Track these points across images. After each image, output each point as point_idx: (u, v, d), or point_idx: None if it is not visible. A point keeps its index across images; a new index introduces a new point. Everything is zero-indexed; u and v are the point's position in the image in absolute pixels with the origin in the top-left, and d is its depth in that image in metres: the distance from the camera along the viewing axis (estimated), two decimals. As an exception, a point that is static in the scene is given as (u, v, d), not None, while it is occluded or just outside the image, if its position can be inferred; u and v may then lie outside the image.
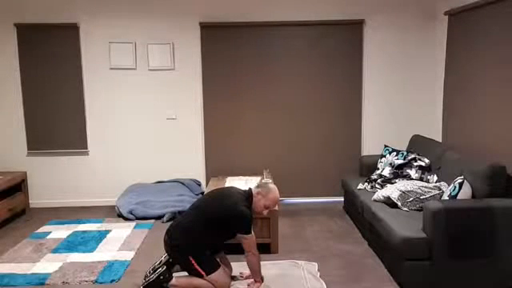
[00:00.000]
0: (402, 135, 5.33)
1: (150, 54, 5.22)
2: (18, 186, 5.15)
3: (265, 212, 3.30)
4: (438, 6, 5.11)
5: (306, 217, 4.88)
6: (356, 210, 4.37)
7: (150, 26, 5.19)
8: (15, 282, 3.40)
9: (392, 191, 3.76)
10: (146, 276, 3.22)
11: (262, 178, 4.59)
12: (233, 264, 3.41)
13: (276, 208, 3.77)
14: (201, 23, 5.17)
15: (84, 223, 4.73)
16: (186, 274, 3.21)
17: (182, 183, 5.24)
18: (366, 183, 4.45)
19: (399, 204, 3.68)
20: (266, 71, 5.26)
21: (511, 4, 3.68)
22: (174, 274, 3.20)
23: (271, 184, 3.33)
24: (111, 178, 5.41)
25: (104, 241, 4.23)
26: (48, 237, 4.36)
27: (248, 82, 5.28)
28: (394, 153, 4.60)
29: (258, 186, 3.31)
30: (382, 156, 4.75)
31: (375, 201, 3.91)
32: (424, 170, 4.26)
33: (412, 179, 4.18)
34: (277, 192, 3.29)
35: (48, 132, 5.28)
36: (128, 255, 3.89)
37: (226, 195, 3.23)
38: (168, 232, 3.22)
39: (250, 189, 3.32)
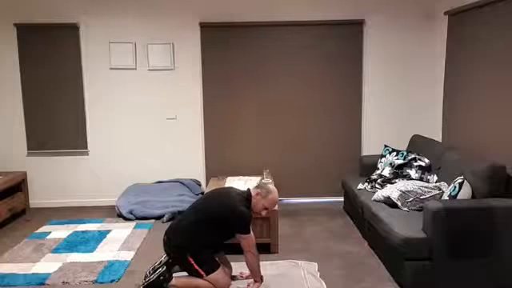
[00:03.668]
0: (402, 135, 5.33)
1: (150, 54, 5.22)
2: (18, 186, 5.15)
3: (263, 213, 3.30)
4: (437, 5, 5.11)
5: (306, 217, 4.88)
6: (356, 210, 4.37)
7: (150, 26, 5.19)
8: (15, 282, 3.40)
9: (392, 191, 3.76)
10: (146, 276, 3.22)
11: (262, 178, 4.58)
12: (233, 264, 3.41)
13: (276, 208, 3.77)
14: (201, 23, 5.17)
15: (84, 223, 4.73)
16: (185, 274, 3.21)
17: (182, 183, 5.24)
18: (366, 183, 4.44)
19: (399, 204, 3.67)
20: (266, 71, 5.26)
21: (511, 4, 3.68)
22: (174, 274, 3.20)
23: (271, 185, 3.33)
24: (111, 178, 5.41)
25: (104, 241, 4.23)
26: (48, 237, 4.36)
27: (248, 82, 5.28)
28: (394, 153, 4.60)
29: (257, 187, 3.32)
30: (382, 156, 4.75)
31: (375, 201, 3.91)
32: (424, 170, 4.26)
33: (412, 179, 4.17)
34: (276, 194, 3.29)
35: (48, 132, 5.28)
36: (128, 255, 3.89)
37: (225, 195, 3.23)
38: (167, 232, 3.22)
39: (249, 189, 3.32)
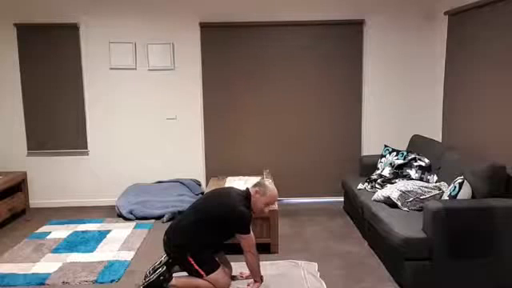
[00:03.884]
0: (402, 135, 5.33)
1: (150, 54, 5.22)
2: (18, 186, 5.15)
3: (266, 210, 3.30)
4: (437, 6, 5.11)
5: (306, 217, 4.88)
6: (356, 210, 4.37)
7: (150, 26, 5.19)
8: (15, 282, 3.40)
9: (392, 191, 3.76)
10: (145, 276, 3.22)
11: (262, 178, 4.58)
12: (233, 264, 3.41)
13: (276, 207, 3.78)
14: (201, 23, 5.17)
15: (84, 223, 4.73)
16: (185, 274, 3.21)
17: (182, 183, 5.24)
18: (366, 183, 4.44)
19: (399, 204, 3.67)
20: (266, 71, 5.26)
21: (511, 4, 3.68)
22: (174, 274, 3.20)
23: (268, 182, 3.33)
24: (111, 178, 5.41)
25: (104, 241, 4.23)
26: (48, 237, 4.36)
27: (248, 82, 5.28)
28: (394, 153, 4.60)
29: (254, 185, 3.32)
30: (382, 156, 4.75)
31: (375, 201, 3.91)
32: (424, 170, 4.26)
33: (412, 179, 4.18)
34: (274, 189, 3.30)
35: (48, 132, 5.28)
36: (128, 255, 3.89)
37: (224, 195, 3.23)
38: (167, 232, 3.22)
39: (248, 189, 3.32)
